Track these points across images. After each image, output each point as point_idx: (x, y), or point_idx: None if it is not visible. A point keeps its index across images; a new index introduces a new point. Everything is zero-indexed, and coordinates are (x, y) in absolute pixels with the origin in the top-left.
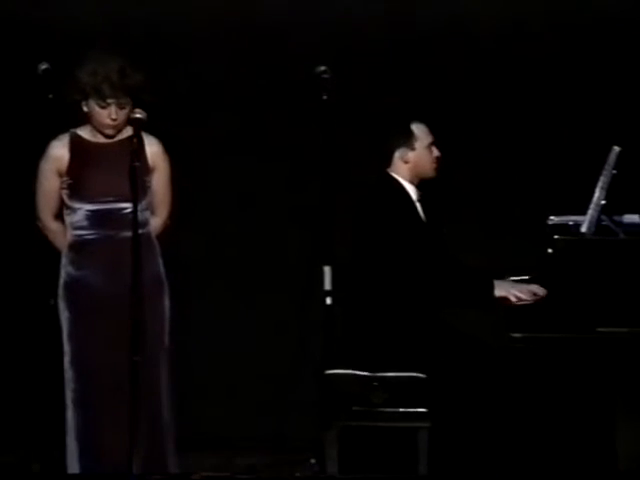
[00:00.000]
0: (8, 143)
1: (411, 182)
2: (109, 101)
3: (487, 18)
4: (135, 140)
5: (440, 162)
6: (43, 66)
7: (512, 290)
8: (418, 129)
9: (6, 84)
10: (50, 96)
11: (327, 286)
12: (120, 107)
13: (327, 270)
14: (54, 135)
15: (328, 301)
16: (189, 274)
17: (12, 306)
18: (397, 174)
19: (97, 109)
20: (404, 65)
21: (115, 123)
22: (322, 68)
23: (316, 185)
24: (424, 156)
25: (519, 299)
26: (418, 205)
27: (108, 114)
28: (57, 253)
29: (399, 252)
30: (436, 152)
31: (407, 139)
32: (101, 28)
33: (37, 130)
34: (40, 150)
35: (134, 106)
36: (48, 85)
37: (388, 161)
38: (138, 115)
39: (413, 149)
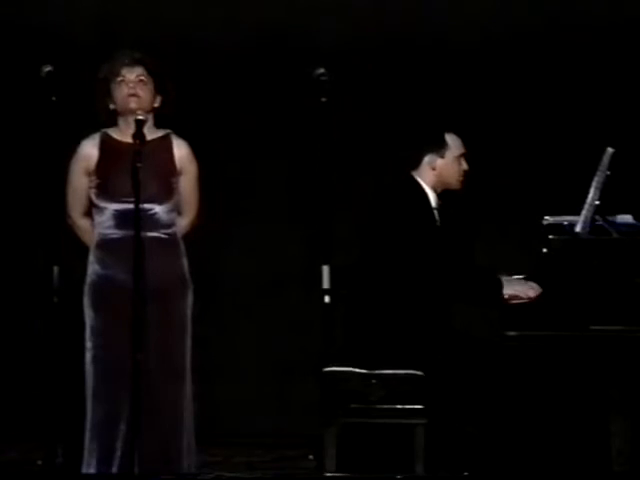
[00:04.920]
0: (12, 146)
1: (433, 188)
2: (124, 73)
3: (484, 21)
4: (137, 141)
5: (467, 175)
6: (46, 68)
7: (518, 287)
8: (451, 140)
9: (10, 87)
10: (53, 98)
11: (326, 285)
12: (138, 79)
13: (325, 269)
14: (58, 138)
15: (327, 300)
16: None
17: (20, 304)
18: (421, 178)
19: (116, 88)
20: (402, 67)
21: (134, 92)
22: (321, 70)
23: (315, 186)
24: (452, 166)
25: (528, 297)
26: (436, 212)
27: (126, 85)
28: (70, 252)
29: (406, 253)
30: (465, 165)
31: (439, 147)
32: (105, 30)
33: (41, 133)
34: (43, 152)
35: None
36: (51, 87)
37: (416, 164)
38: (140, 117)
39: (442, 157)
